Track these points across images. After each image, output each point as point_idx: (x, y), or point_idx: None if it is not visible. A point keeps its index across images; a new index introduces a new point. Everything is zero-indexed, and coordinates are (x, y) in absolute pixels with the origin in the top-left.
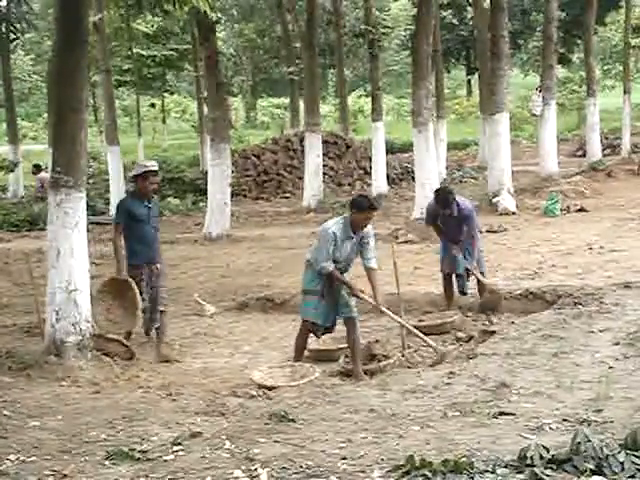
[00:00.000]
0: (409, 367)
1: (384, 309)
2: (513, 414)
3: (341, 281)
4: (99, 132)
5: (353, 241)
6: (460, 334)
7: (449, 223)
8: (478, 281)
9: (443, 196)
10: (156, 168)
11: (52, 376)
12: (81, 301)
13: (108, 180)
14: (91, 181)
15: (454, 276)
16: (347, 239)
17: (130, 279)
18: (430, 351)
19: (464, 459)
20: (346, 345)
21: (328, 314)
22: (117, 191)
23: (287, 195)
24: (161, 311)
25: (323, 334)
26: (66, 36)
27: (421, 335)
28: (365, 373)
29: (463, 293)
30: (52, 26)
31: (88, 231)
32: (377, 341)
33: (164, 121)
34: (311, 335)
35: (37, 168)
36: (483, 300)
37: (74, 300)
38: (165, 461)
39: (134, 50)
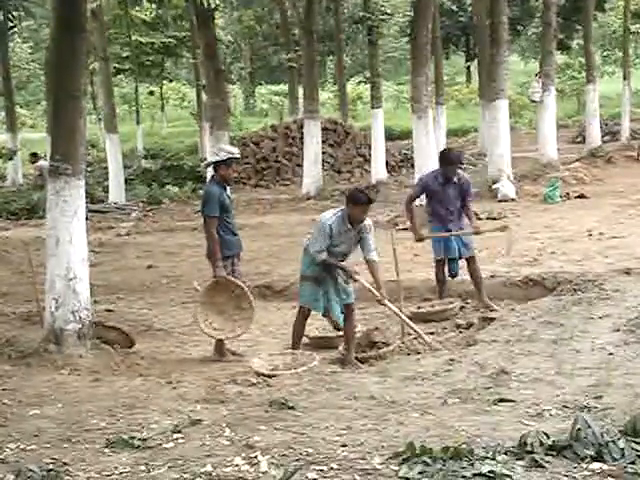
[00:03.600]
0: (409, 354)
1: (387, 302)
2: (513, 401)
3: (335, 265)
4: (98, 120)
5: (351, 234)
6: (460, 321)
7: (448, 194)
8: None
9: (455, 154)
10: (239, 156)
11: (52, 364)
12: (80, 289)
13: (107, 168)
14: (90, 169)
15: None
16: (345, 232)
17: (232, 278)
18: (431, 338)
19: (464, 446)
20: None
21: (322, 300)
22: (116, 179)
23: (286, 182)
24: None
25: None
26: (64, 24)
27: (418, 330)
28: (364, 361)
29: (454, 276)
30: (50, 14)
31: (87, 219)
32: (377, 328)
33: (163, 109)
34: (309, 322)
35: (35, 157)
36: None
37: (73, 288)
38: (165, 449)
39: (133, 37)
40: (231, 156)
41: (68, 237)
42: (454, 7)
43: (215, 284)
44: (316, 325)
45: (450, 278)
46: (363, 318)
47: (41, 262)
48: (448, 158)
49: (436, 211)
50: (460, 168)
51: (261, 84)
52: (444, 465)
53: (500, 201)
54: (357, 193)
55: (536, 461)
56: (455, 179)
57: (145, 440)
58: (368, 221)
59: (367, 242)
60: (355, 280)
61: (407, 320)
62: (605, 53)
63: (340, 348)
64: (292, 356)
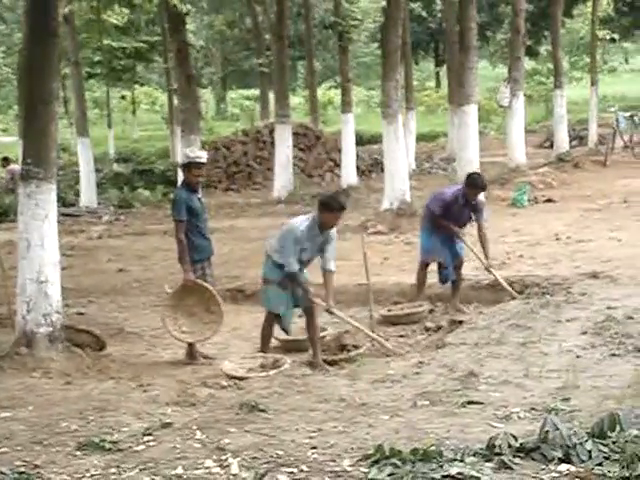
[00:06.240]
0: (378, 357)
1: (336, 311)
2: (482, 403)
3: (300, 284)
4: (69, 124)
5: (319, 240)
6: (429, 324)
7: (463, 212)
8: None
9: (481, 181)
10: (202, 160)
11: (23, 367)
12: (52, 292)
13: (78, 172)
14: (61, 173)
15: (436, 266)
16: (313, 238)
17: (201, 282)
18: (400, 341)
19: (433, 448)
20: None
21: (288, 303)
22: (87, 183)
23: (257, 186)
24: None
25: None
26: (36, 28)
27: (375, 337)
28: (333, 363)
29: (446, 282)
30: (22, 18)
31: (58, 223)
32: (347, 331)
33: (134, 113)
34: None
35: (6, 161)
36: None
37: (45, 292)
38: (136, 451)
39: (104, 42)
40: (190, 160)
41: (39, 241)
42: (424, 13)
43: (184, 287)
44: None
45: (442, 284)
46: (334, 321)
47: (12, 265)
48: (476, 183)
49: (434, 225)
50: (484, 190)
51: (232, 89)
52: (413, 467)
53: None
54: (330, 200)
55: (504, 463)
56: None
57: (116, 443)
58: (334, 229)
59: (329, 252)
60: (313, 302)
61: (362, 328)
62: (573, 59)
63: (310, 351)
64: (263, 359)
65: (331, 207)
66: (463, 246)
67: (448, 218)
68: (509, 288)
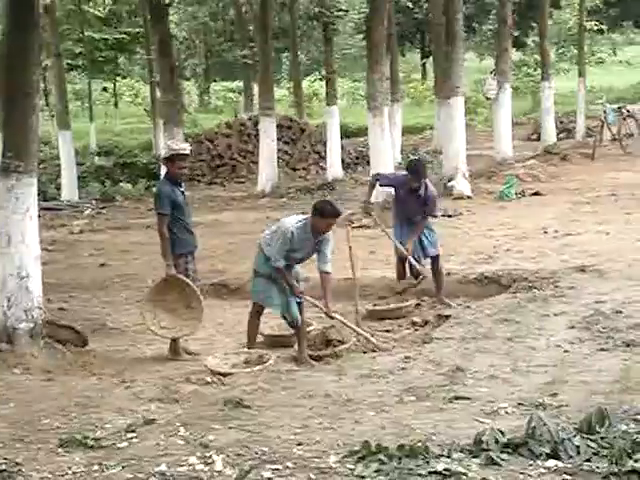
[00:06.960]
0: (364, 352)
1: (336, 315)
2: (469, 398)
3: (286, 280)
4: (50, 117)
5: (311, 243)
6: (415, 318)
7: (410, 201)
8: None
9: (419, 167)
10: (185, 152)
11: (4, 364)
12: (33, 288)
13: (59, 165)
14: (42, 166)
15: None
16: (304, 241)
17: (183, 277)
18: (386, 336)
19: (420, 444)
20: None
21: (279, 298)
22: (69, 176)
23: (241, 180)
24: None
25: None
26: (17, 19)
27: (367, 336)
28: (320, 359)
29: (418, 275)
30: (2, 9)
31: (39, 217)
32: (332, 326)
33: (116, 105)
34: (264, 320)
35: None
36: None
37: (26, 287)
38: (119, 448)
39: (86, 33)
40: (173, 152)
41: (20, 235)
42: (409, 3)
43: (165, 282)
44: (271, 323)
45: (413, 278)
46: (318, 316)
47: None
48: (411, 169)
49: (397, 214)
50: (420, 178)
51: (216, 80)
52: (400, 463)
53: (455, 199)
54: (324, 205)
55: (491, 459)
56: (422, 190)
57: (99, 440)
58: (329, 233)
59: (324, 253)
60: (299, 297)
61: (358, 330)
62: (560, 50)
63: (296, 346)
64: (247, 354)
65: (324, 213)
66: (434, 240)
67: (396, 202)
68: (425, 274)
